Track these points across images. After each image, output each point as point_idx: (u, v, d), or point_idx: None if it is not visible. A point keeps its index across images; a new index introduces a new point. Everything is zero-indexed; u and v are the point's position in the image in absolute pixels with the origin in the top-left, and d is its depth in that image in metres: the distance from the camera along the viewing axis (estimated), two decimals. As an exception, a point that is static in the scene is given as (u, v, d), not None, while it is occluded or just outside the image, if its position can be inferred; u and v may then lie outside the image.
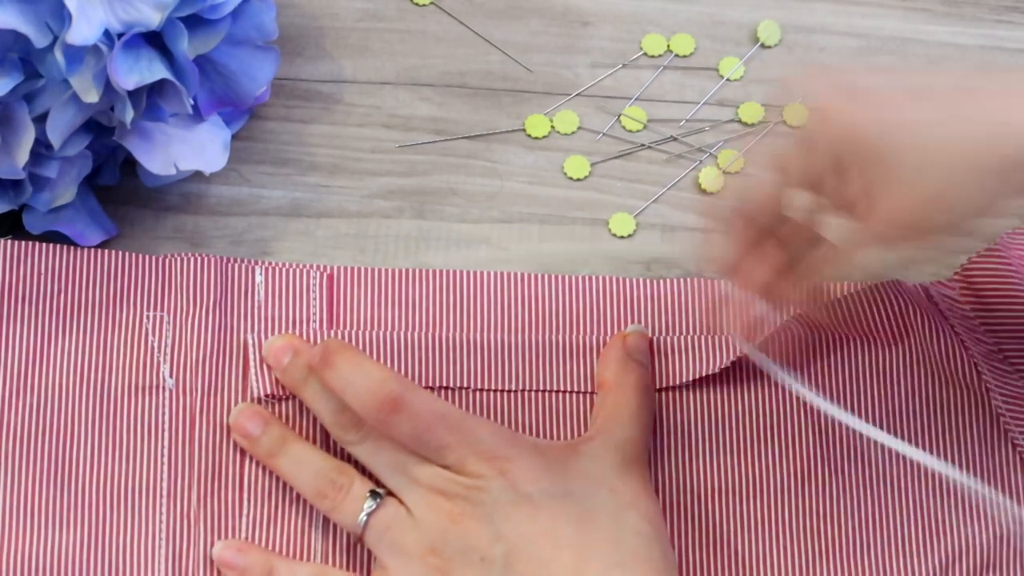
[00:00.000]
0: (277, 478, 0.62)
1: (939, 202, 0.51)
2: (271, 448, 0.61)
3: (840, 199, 0.53)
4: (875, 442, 0.64)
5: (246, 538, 0.62)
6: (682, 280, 0.66)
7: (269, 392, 0.63)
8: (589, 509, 0.58)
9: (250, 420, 0.62)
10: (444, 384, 0.64)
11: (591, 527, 0.57)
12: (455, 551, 0.57)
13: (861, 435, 0.64)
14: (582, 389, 0.64)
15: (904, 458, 0.64)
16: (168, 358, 0.63)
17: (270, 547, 0.62)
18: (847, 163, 0.52)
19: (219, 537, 0.61)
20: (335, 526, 0.61)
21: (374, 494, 0.59)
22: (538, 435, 0.64)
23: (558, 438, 0.64)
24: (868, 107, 0.52)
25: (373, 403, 0.58)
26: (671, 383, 0.64)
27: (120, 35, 0.57)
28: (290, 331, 0.64)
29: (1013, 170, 0.50)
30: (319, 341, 0.63)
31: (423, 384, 0.63)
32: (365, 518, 0.58)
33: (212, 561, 0.61)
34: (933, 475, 0.64)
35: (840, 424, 0.64)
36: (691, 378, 0.64)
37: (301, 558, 0.61)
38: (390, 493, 0.59)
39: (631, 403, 0.62)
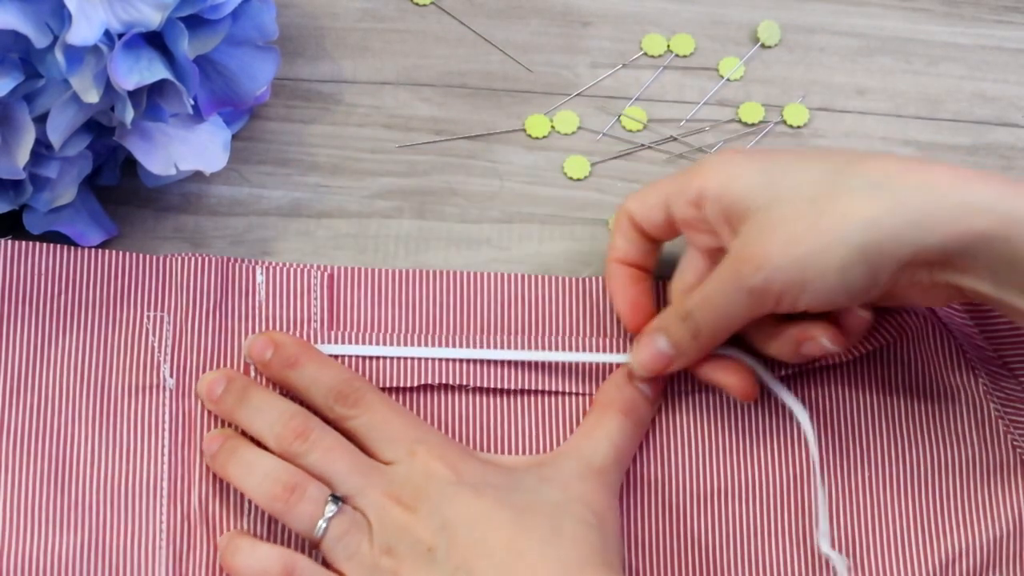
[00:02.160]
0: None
1: (797, 254, 0.56)
2: (224, 458, 0.61)
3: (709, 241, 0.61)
4: (874, 441, 0.64)
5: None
6: (682, 280, 0.66)
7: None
8: (533, 500, 0.58)
9: (212, 439, 0.62)
10: (441, 382, 0.64)
11: (531, 514, 0.58)
12: (407, 548, 0.57)
13: (859, 436, 0.64)
14: (577, 391, 0.64)
15: (903, 458, 0.64)
16: (169, 358, 0.63)
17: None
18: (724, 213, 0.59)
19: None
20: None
21: (335, 499, 0.58)
22: (535, 435, 0.64)
23: (555, 439, 0.64)
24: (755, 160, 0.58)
25: (336, 397, 0.60)
26: (672, 382, 0.64)
27: (120, 35, 0.57)
28: (291, 331, 0.64)
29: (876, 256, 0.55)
30: (318, 341, 0.63)
31: (417, 382, 0.63)
32: (325, 524, 0.58)
33: (214, 562, 0.61)
34: (932, 476, 0.64)
35: (837, 425, 0.64)
36: (691, 386, 0.64)
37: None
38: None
39: (609, 423, 0.62)
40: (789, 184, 0.57)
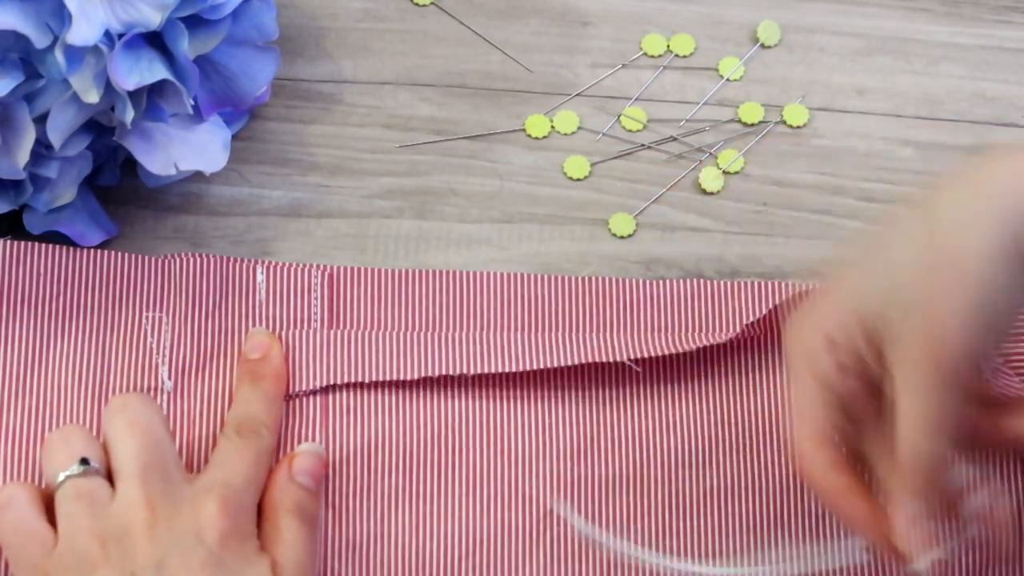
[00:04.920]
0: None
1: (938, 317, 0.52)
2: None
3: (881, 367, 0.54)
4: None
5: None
6: (682, 281, 0.66)
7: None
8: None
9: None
10: (442, 373, 0.63)
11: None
12: (116, 549, 0.56)
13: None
14: (578, 388, 0.64)
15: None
16: (167, 360, 0.63)
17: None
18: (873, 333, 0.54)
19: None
20: (337, 523, 0.61)
21: (85, 462, 0.58)
22: (536, 435, 0.64)
23: (556, 438, 0.64)
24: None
25: (238, 426, 0.60)
26: (671, 382, 0.64)
27: (120, 35, 0.57)
28: (291, 330, 0.64)
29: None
30: (321, 341, 0.63)
31: (417, 374, 0.63)
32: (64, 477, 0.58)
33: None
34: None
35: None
36: (689, 377, 0.64)
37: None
38: None
39: (290, 526, 0.59)
40: (900, 263, 0.53)
